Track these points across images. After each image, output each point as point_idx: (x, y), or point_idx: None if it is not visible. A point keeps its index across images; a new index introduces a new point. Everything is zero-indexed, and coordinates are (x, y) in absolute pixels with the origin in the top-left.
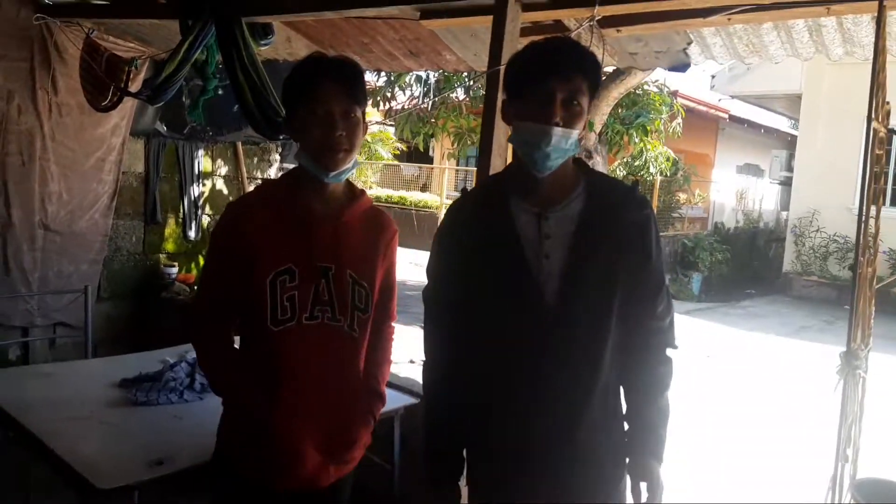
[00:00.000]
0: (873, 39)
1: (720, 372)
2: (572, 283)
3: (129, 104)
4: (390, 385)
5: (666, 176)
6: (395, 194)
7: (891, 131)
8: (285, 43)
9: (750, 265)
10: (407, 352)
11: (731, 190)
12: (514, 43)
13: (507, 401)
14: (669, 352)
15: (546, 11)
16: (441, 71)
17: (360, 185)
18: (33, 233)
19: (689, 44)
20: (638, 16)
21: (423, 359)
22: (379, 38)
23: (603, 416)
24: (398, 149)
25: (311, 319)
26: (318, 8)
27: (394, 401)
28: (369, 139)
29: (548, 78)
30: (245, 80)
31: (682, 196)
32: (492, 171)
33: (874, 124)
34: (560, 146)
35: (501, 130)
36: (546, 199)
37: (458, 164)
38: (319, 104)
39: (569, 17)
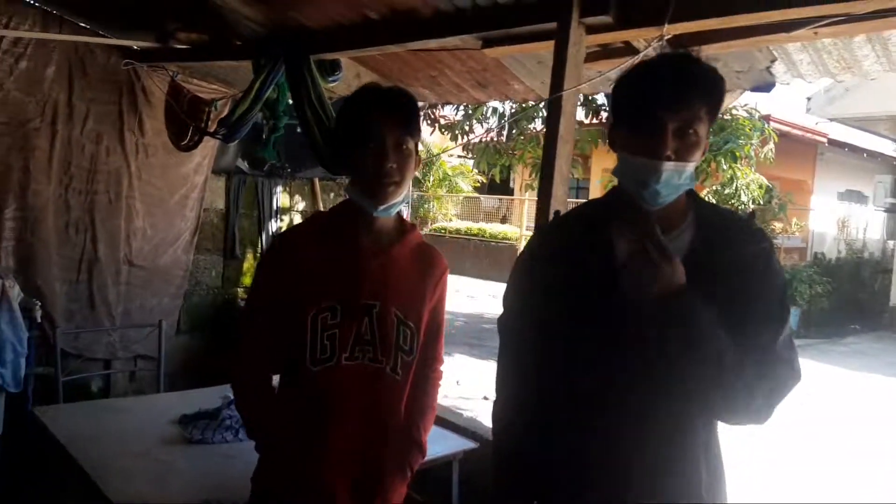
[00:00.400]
0: None
1: (819, 417)
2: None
3: (210, 143)
4: (449, 426)
5: (759, 204)
6: (475, 226)
7: None
8: (355, 79)
9: (854, 299)
10: (481, 387)
11: (831, 218)
12: (577, 68)
13: (604, 441)
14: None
15: (612, 33)
16: (517, 102)
17: (440, 218)
18: (118, 268)
19: (772, 61)
20: (713, 33)
21: (495, 395)
22: (446, 70)
23: (711, 453)
24: (478, 181)
25: (351, 360)
26: (381, 42)
27: (453, 445)
28: (450, 172)
29: (657, 106)
30: (312, 117)
31: (778, 225)
32: (553, 202)
33: None
34: (672, 182)
35: (563, 159)
36: None
37: (538, 196)
38: (371, 135)
39: (637, 38)
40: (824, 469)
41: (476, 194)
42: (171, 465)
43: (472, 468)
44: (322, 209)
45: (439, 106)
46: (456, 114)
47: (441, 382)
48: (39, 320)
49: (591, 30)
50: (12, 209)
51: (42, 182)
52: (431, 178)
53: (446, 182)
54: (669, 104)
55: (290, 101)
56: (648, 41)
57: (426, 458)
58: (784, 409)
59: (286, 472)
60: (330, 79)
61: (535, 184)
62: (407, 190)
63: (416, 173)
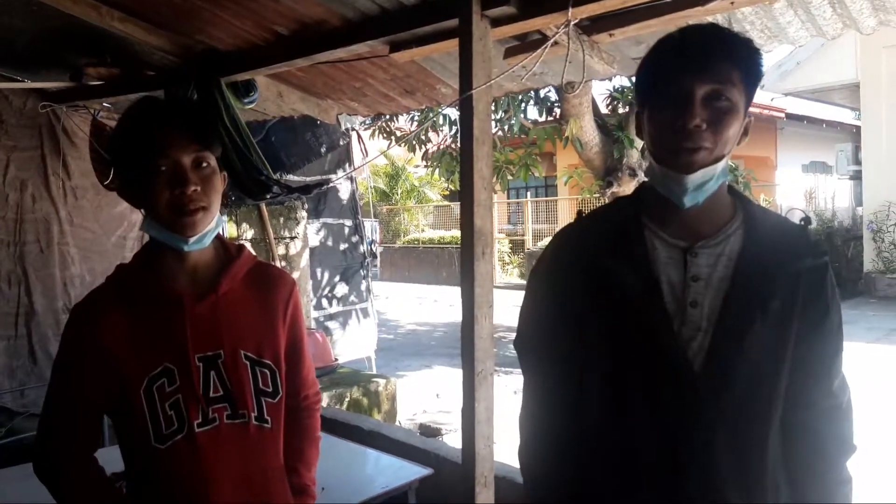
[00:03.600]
0: None
1: None
2: (729, 340)
3: None
4: (403, 451)
5: None
6: (448, 234)
7: None
8: (277, 98)
9: None
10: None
11: (799, 191)
12: (487, 64)
13: (638, 488)
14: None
15: (518, 24)
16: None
17: (412, 229)
18: (58, 318)
19: None
20: (627, 15)
21: (519, 431)
22: (370, 80)
23: None
24: (447, 189)
25: (206, 424)
26: (289, 57)
27: (405, 474)
28: (416, 183)
29: (681, 71)
30: (228, 142)
31: None
32: (476, 206)
33: None
34: (706, 183)
35: (482, 161)
36: (694, 230)
37: (507, 198)
38: (163, 157)
39: (544, 25)
40: None
41: (446, 202)
42: None
43: (432, 496)
44: (272, 234)
45: (393, 118)
46: (411, 124)
47: (319, 408)
48: None
49: (497, 22)
50: None
51: None
52: (399, 191)
53: (414, 193)
54: (695, 65)
55: None
56: (558, 27)
57: (376, 493)
58: None
59: None
60: (245, 101)
61: (497, 186)
62: (217, 212)
63: (383, 187)
